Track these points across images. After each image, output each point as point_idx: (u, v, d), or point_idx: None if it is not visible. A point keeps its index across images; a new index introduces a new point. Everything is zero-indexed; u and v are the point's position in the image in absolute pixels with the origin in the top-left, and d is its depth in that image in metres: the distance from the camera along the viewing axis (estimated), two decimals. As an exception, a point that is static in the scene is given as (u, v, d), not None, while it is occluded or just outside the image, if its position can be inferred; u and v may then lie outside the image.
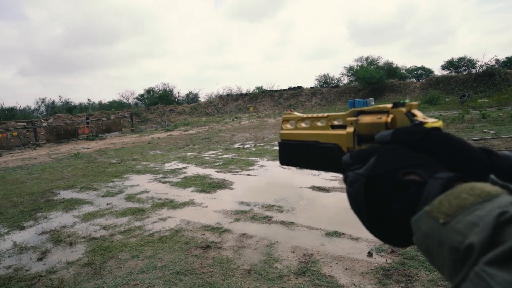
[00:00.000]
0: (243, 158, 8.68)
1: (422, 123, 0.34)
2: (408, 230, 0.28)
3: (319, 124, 0.43)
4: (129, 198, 5.75)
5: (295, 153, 0.45)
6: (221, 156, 9.30)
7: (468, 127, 10.26)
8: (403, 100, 0.36)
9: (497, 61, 30.14)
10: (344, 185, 4.34)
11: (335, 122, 0.42)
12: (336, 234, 3.54)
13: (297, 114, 0.46)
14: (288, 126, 0.47)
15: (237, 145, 11.35)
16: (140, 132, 23.74)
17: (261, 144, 10.95)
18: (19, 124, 22.94)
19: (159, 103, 34.23)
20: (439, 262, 0.25)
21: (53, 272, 3.26)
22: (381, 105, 0.37)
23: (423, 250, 0.27)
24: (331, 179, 5.74)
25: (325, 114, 0.43)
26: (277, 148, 8.88)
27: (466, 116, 13.18)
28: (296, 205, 4.59)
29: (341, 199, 4.68)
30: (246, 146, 10.85)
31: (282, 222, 3.99)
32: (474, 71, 27.59)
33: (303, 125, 0.45)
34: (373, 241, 3.29)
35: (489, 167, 0.30)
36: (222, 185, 6.06)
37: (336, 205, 4.47)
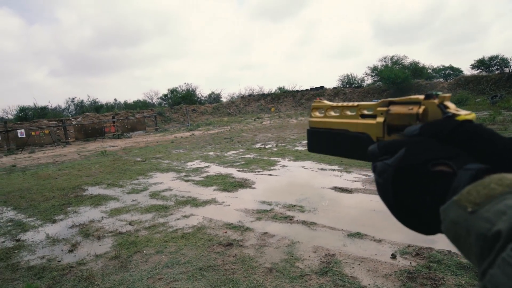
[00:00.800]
0: (265, 158, 8.71)
1: (454, 115, 0.33)
2: (436, 219, 0.29)
3: (348, 113, 0.43)
4: (153, 195, 5.91)
5: (323, 141, 0.45)
6: (242, 156, 9.37)
7: (499, 129, 9.82)
8: (436, 91, 0.35)
9: (533, 59, 28.59)
10: (366, 187, 4.31)
11: (365, 112, 0.42)
12: (359, 235, 3.50)
13: (326, 102, 0.47)
14: (317, 114, 0.47)
15: (258, 145, 11.40)
16: (164, 131, 24.28)
17: (282, 144, 10.95)
18: (50, 122, 24.04)
19: (182, 103, 34.88)
20: (466, 249, 0.26)
21: (83, 263, 3.42)
22: (413, 96, 0.36)
23: (451, 237, 0.28)
24: (354, 180, 5.67)
25: (355, 104, 0.43)
26: (298, 148, 8.83)
27: (497, 117, 12.61)
28: (317, 205, 4.57)
29: (364, 200, 4.61)
30: (267, 146, 10.87)
31: (304, 222, 3.98)
32: (507, 70, 26.32)
33: (332, 113, 0.45)
34: (397, 243, 3.23)
35: None
36: (243, 184, 6.11)
37: (358, 206, 4.41)
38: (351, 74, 39.54)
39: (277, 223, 4.05)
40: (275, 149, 10.15)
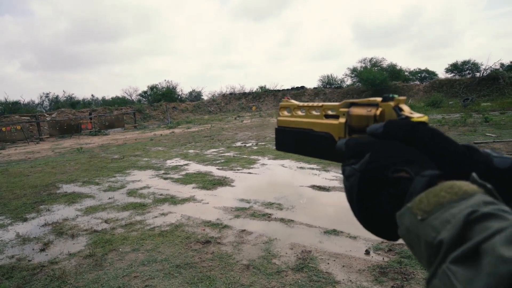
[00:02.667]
0: (245, 156, 8.72)
1: (408, 117, 0.35)
2: (396, 225, 0.29)
3: (314, 113, 0.45)
4: (131, 193, 5.81)
5: (290, 140, 0.46)
6: (222, 154, 9.35)
7: (470, 130, 10.26)
8: (392, 94, 0.37)
9: (502, 65, 29.98)
10: (343, 185, 4.49)
11: (329, 112, 0.43)
12: (335, 232, 3.57)
13: (294, 102, 0.48)
14: (285, 113, 0.48)
15: (239, 144, 11.39)
16: (143, 128, 23.83)
17: (262, 143, 10.99)
18: (22, 118, 23.07)
19: (162, 100, 34.28)
20: (419, 255, 0.27)
21: (55, 262, 3.32)
22: (371, 98, 0.38)
23: (406, 243, 0.29)
24: (332, 178, 5.78)
25: (320, 104, 0.44)
26: (278, 147, 8.98)
27: (468, 119, 13.16)
28: (296, 203, 4.63)
29: (341, 198, 4.71)
30: (248, 145, 10.89)
31: (282, 220, 4.03)
32: (478, 74, 27.50)
33: (299, 113, 0.46)
34: (371, 239, 3.32)
35: (472, 164, 0.31)
36: (223, 182, 6.11)
37: (335, 204, 4.51)
38: (331, 75, 40.17)
39: (256, 221, 4.07)
40: (255, 147, 10.18)
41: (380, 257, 2.99)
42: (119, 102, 37.96)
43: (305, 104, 0.46)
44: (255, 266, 2.95)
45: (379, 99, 0.37)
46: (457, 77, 30.69)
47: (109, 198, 5.54)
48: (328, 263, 2.93)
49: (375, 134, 0.34)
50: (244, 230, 3.80)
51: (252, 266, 2.95)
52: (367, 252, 3.09)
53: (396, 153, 0.32)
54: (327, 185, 5.39)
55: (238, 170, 7.09)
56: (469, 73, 31.23)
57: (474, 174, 0.28)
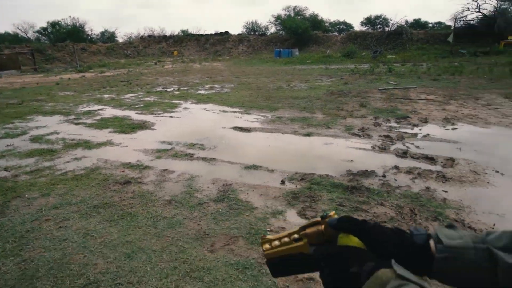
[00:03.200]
0: (166, 101, 8.37)
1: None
2: None
3: (286, 239, 0.57)
4: (35, 139, 5.21)
5: (281, 266, 0.58)
6: (142, 99, 8.82)
7: (376, 79, 11.37)
8: (326, 212, 0.52)
9: (406, 21, 33.00)
10: (264, 126, 4.63)
11: (295, 236, 0.55)
12: (254, 167, 3.79)
13: (270, 237, 0.60)
14: (267, 246, 0.59)
15: (159, 89, 10.82)
16: (46, 72, 20.76)
17: (185, 88, 10.63)
18: None
19: (68, 40, 29.85)
20: None
21: None
22: (314, 220, 0.53)
23: None
24: (253, 120, 5.97)
25: (286, 233, 0.57)
26: (201, 92, 8.82)
27: (376, 69, 14.49)
28: (218, 143, 4.71)
29: (261, 137, 4.95)
30: (169, 90, 10.42)
31: (204, 159, 4.10)
32: (387, 29, 29.86)
33: (276, 243, 0.58)
34: (286, 172, 3.62)
35: (399, 247, 0.44)
36: (143, 126, 5.85)
37: (255, 143, 4.72)
38: (255, 22, 39.51)
39: (178, 161, 4.07)
40: (177, 92, 9.81)
41: (293, 185, 3.30)
42: (10, 39, 32.10)
43: (279, 235, 0.58)
44: (178, 200, 3.02)
45: (318, 218, 0.52)
46: (370, 30, 32.92)
47: (7, 146, 4.89)
48: (247, 193, 3.14)
49: (332, 225, 0.48)
50: (166, 169, 3.78)
51: (174, 201, 3.01)
52: (282, 182, 3.38)
53: (352, 257, 0.44)
54: (248, 126, 5.56)
55: (159, 114, 6.82)
56: (380, 27, 33.73)
57: (392, 261, 0.39)
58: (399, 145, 4.40)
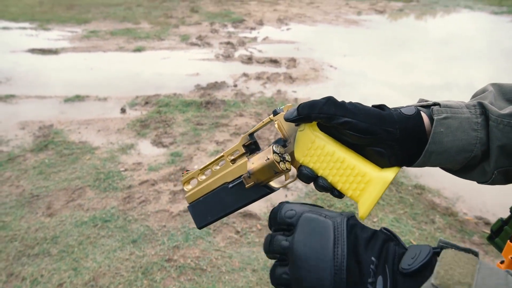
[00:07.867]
0: None
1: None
2: None
3: (218, 167, 0.46)
4: None
5: (209, 207, 0.47)
6: None
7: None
8: (280, 107, 0.43)
9: None
10: (76, 44, 3.92)
11: (233, 157, 0.45)
12: (79, 98, 3.21)
13: (193, 171, 0.49)
14: (190, 186, 0.49)
15: None
16: None
17: None
18: None
19: None
20: None
21: None
22: (265, 120, 0.44)
23: None
24: (57, 38, 4.91)
25: (220, 155, 0.46)
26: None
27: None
28: (12, 74, 3.70)
29: (77, 60, 4.18)
30: None
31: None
32: None
33: (204, 177, 0.48)
34: (123, 97, 3.24)
35: (386, 121, 0.38)
36: None
37: (71, 67, 3.96)
38: None
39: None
40: None
41: (137, 112, 3.00)
42: None
43: (206, 164, 0.47)
44: (-30, 162, 2.28)
45: (271, 116, 0.43)
46: None
47: None
48: (79, 132, 2.66)
49: (292, 118, 0.41)
50: None
51: (-36, 165, 2.26)
52: (122, 111, 3.01)
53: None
54: (53, 46, 4.54)
55: None
56: None
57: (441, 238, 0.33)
58: (242, 51, 4.54)
